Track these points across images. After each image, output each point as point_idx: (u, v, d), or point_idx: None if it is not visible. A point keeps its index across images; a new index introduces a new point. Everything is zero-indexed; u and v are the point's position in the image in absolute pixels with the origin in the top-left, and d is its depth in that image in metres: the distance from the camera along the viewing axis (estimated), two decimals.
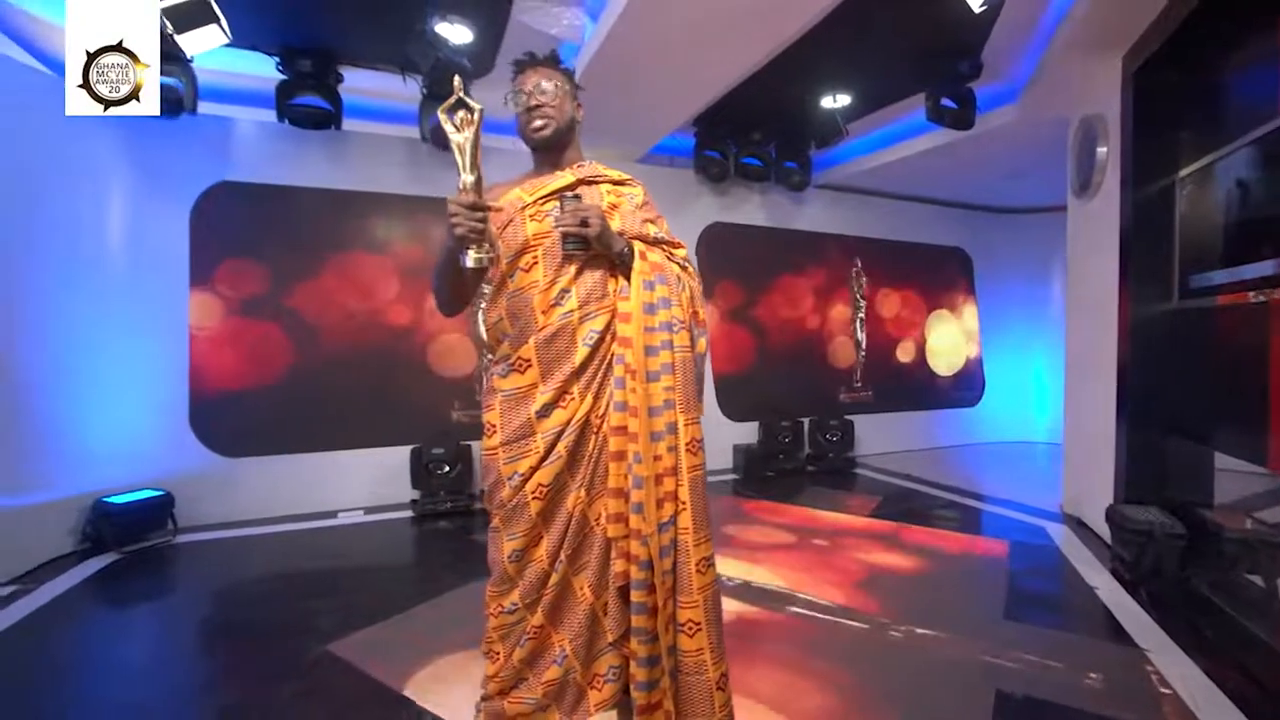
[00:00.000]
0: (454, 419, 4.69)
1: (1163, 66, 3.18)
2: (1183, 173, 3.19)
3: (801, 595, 2.89)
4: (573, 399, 1.44)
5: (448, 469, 4.34)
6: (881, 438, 6.32)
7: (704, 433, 1.50)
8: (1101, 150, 3.67)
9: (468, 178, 1.30)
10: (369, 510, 4.35)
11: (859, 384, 6.39)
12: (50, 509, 3.39)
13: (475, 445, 4.42)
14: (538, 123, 1.49)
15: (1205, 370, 2.99)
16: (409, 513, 4.29)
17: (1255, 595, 2.61)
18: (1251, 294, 2.57)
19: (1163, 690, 2.08)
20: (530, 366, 1.45)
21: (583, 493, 1.45)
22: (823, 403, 6.11)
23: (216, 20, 3.05)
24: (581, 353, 1.44)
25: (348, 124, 4.22)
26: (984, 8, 3.09)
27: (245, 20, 3.40)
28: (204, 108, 3.72)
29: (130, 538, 3.56)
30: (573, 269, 1.45)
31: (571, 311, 1.44)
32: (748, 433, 5.65)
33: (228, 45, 3.22)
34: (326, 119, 4.06)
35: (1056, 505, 4.30)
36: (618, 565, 1.41)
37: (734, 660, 1.64)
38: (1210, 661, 2.23)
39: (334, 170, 4.46)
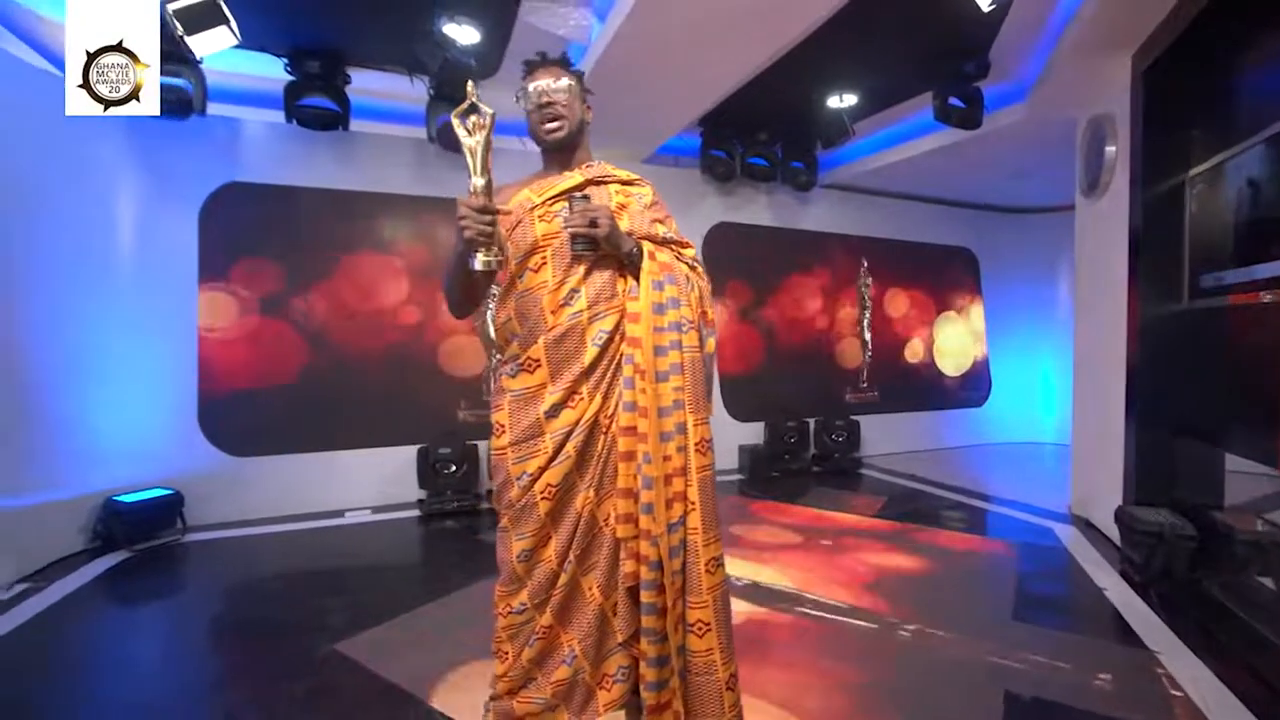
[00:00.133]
0: (460, 419, 4.70)
1: (1172, 65, 3.17)
2: (1193, 172, 3.17)
3: (809, 595, 2.89)
4: (582, 399, 1.44)
5: (454, 469, 4.35)
6: (887, 438, 6.31)
7: (712, 433, 1.50)
8: (1110, 150, 3.66)
9: (478, 181, 1.30)
10: (376, 510, 4.37)
11: (865, 384, 6.37)
12: (61, 508, 3.42)
13: (482, 445, 4.43)
14: (551, 124, 1.48)
15: (1216, 371, 2.97)
16: (416, 512, 4.31)
17: (1266, 597, 2.59)
18: (1263, 294, 2.55)
19: (1174, 693, 2.07)
20: (539, 366, 1.45)
21: (591, 493, 1.44)
22: (829, 403, 6.10)
23: (226, 22, 3.06)
24: (591, 353, 1.43)
25: (355, 125, 4.24)
26: (993, 7, 3.07)
27: (254, 22, 3.41)
28: (212, 109, 3.74)
29: (140, 536, 3.59)
30: (582, 269, 1.45)
31: (580, 312, 1.44)
32: (753, 433, 5.64)
33: (236, 47, 3.23)
34: (334, 120, 4.08)
35: (1064, 506, 4.28)
36: (627, 565, 1.41)
37: (743, 661, 1.64)
38: (1221, 664, 2.22)
39: (342, 171, 4.48)
